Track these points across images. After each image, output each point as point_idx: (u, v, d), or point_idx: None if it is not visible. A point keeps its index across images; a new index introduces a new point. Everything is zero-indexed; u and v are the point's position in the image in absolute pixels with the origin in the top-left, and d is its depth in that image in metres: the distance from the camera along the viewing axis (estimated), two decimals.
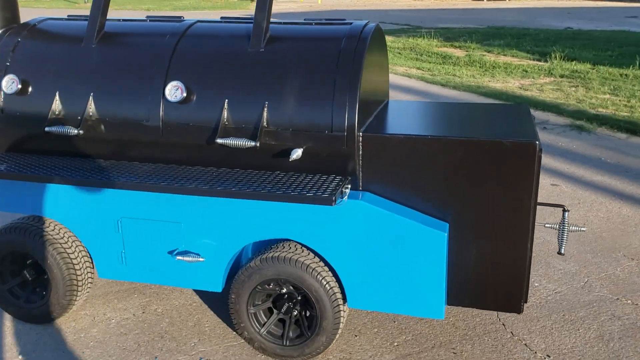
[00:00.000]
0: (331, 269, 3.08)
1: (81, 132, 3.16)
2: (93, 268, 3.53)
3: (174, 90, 3.07)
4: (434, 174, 2.89)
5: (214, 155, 3.11)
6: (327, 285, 3.00)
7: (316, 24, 3.26)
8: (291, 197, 2.77)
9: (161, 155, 3.20)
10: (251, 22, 3.30)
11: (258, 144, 2.93)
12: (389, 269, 2.92)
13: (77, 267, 3.42)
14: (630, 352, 3.21)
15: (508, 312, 2.99)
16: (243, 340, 3.36)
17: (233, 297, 3.16)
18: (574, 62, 12.24)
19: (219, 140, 2.97)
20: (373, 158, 2.95)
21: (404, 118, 3.24)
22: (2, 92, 3.32)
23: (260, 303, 3.19)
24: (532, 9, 28.86)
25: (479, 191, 2.86)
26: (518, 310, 2.99)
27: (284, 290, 3.15)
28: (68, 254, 3.39)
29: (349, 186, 2.93)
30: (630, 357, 3.16)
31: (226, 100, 3.03)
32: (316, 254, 3.08)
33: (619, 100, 9.02)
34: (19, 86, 3.28)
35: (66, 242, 3.41)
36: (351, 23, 3.20)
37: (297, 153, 2.89)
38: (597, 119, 7.93)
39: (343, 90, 2.87)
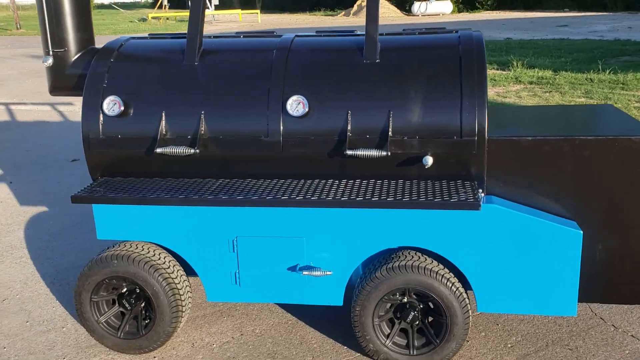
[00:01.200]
0: (456, 275, 3.10)
1: (197, 151, 3.07)
2: (191, 292, 3.43)
3: (295, 105, 3.04)
4: (560, 174, 2.98)
5: (334, 168, 3.10)
6: (457, 292, 3.02)
7: (419, 33, 3.30)
8: (435, 204, 2.79)
9: (279, 171, 3.16)
10: (348, 35, 3.32)
11: (389, 153, 2.93)
12: (521, 271, 2.98)
13: (181, 292, 3.31)
14: None
15: (637, 303, 3.10)
16: (358, 354, 3.33)
17: (358, 309, 3.13)
18: (535, 70, 12.78)
19: (349, 152, 2.96)
20: (498, 161, 3.01)
21: (513, 121, 3.32)
22: (101, 115, 3.20)
23: (383, 314, 3.17)
24: (467, 21, 29.89)
25: (606, 188, 2.96)
26: (633, 300, 3.10)
27: (405, 300, 3.15)
28: (172, 279, 3.28)
29: (482, 191, 2.98)
30: None
31: (348, 111, 3.03)
32: (441, 260, 3.10)
33: (596, 102, 9.49)
34: (122, 108, 3.16)
35: (169, 267, 3.30)
36: (456, 31, 3.26)
37: (429, 160, 2.91)
38: None
39: (471, 95, 2.93)
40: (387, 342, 3.16)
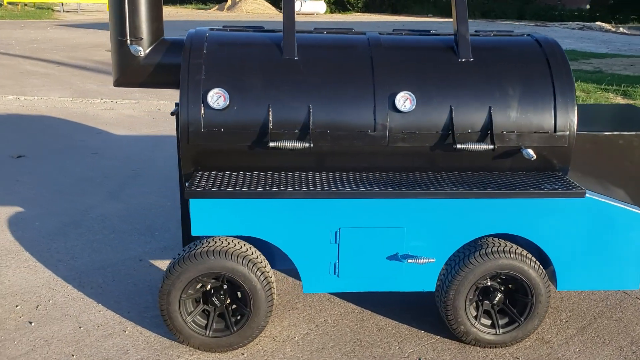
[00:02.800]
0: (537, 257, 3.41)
1: (311, 145, 3.10)
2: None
3: (402, 101, 3.17)
4: (631, 165, 3.39)
5: (436, 161, 3.27)
6: (542, 274, 3.33)
7: (494, 34, 3.56)
8: (540, 193, 3.07)
9: (383, 164, 3.27)
10: (428, 34, 3.51)
11: (495, 147, 3.17)
12: (599, 252, 3.34)
13: (273, 285, 3.33)
14: None
15: None
16: (438, 337, 3.54)
17: (452, 293, 3.33)
18: None
19: (459, 146, 3.15)
20: (580, 154, 3.35)
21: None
22: (203, 108, 3.11)
23: (472, 297, 3.40)
24: (345, 22, 30.90)
25: None
26: None
27: (488, 283, 3.41)
28: (267, 272, 3.28)
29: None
30: None
31: (451, 106, 3.22)
32: (524, 245, 3.39)
33: None
34: (227, 101, 3.11)
35: (262, 261, 3.30)
36: (528, 34, 3.57)
37: (531, 152, 3.18)
38: None
39: (563, 93, 3.24)
40: (476, 323, 3.39)
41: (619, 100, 10.87)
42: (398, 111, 3.19)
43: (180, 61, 3.33)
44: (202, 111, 3.12)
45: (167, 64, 3.35)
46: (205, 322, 3.34)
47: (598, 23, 33.35)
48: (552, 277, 3.42)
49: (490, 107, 3.23)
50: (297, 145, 3.09)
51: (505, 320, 3.45)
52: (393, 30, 3.60)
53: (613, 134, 3.36)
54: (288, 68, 3.22)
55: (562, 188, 3.12)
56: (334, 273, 3.29)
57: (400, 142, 3.21)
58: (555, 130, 3.25)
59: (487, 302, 3.43)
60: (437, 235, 3.26)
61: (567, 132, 3.26)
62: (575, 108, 3.26)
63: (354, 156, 3.25)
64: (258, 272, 3.23)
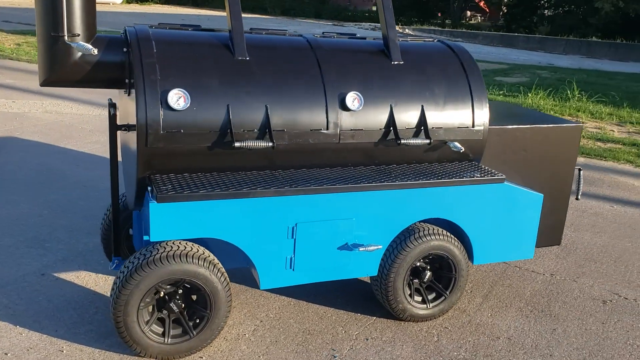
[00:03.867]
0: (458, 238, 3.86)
1: (274, 144, 3.18)
2: None
3: (351, 100, 3.39)
4: (525, 153, 3.98)
5: (380, 155, 3.55)
6: (463, 252, 3.79)
7: (410, 39, 3.93)
8: (471, 181, 3.51)
9: (334, 160, 3.45)
10: (355, 38, 3.78)
11: (431, 141, 3.53)
12: (505, 228, 3.88)
13: (229, 285, 3.37)
14: None
15: (553, 245, 4.30)
16: (374, 317, 3.84)
17: (392, 276, 3.64)
18: None
19: (403, 141, 3.46)
20: (491, 146, 3.86)
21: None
22: (162, 109, 3.03)
23: (407, 277, 3.75)
24: (146, 13, 29.89)
25: (552, 165, 4.08)
26: (559, 242, 4.33)
27: (417, 264, 3.79)
28: (224, 273, 3.32)
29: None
30: None
31: (391, 105, 3.52)
32: (449, 227, 3.82)
33: None
34: (188, 101, 3.06)
35: (218, 262, 3.33)
36: (438, 40, 3.99)
37: (459, 145, 3.60)
38: None
39: (477, 92, 3.71)
40: (411, 300, 3.75)
41: None
42: (348, 110, 3.39)
43: (118, 59, 3.19)
44: (162, 112, 3.04)
45: (105, 62, 3.18)
46: (162, 329, 3.26)
47: None
48: (469, 253, 3.88)
49: (422, 106, 3.58)
50: (260, 144, 3.15)
51: (433, 295, 3.85)
52: (323, 33, 3.79)
53: (515, 127, 3.92)
54: (242, 68, 3.25)
55: (485, 175, 3.58)
56: (290, 267, 3.40)
57: (350, 138, 3.43)
58: (473, 125, 3.71)
59: (416, 280, 3.79)
60: (381, 224, 3.53)
61: (482, 127, 3.73)
62: (487, 105, 3.75)
63: (308, 153, 3.39)
64: (218, 273, 3.24)
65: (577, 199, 4.48)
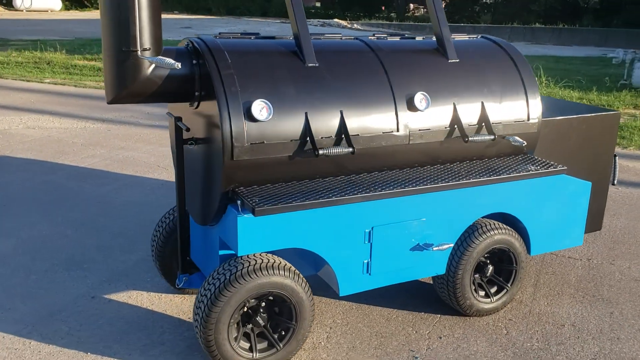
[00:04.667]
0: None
1: (354, 149, 3.15)
2: None
3: (419, 100, 3.40)
4: (569, 142, 4.08)
5: (445, 153, 3.58)
6: (522, 244, 3.86)
7: (468, 37, 3.97)
8: (531, 174, 3.59)
9: (403, 161, 3.46)
10: (405, 38, 3.80)
11: (494, 137, 3.58)
12: (560, 219, 3.97)
13: (312, 294, 3.34)
14: None
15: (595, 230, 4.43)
16: (439, 315, 3.88)
17: (460, 272, 3.68)
18: None
19: (471, 138, 3.49)
20: (541, 137, 3.94)
21: None
22: (246, 121, 2.97)
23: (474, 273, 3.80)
24: (84, 20, 29.08)
25: (594, 153, 4.19)
26: (600, 228, 4.46)
27: (481, 258, 3.84)
28: (307, 282, 3.29)
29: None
30: None
31: (454, 103, 3.54)
32: (507, 220, 3.87)
33: None
34: (271, 112, 3.01)
35: (299, 273, 3.29)
36: (482, 36, 4.04)
37: (520, 140, 3.65)
38: None
39: (530, 86, 3.78)
40: (477, 296, 3.80)
41: None
42: (416, 110, 3.40)
43: (187, 72, 3.10)
44: (245, 124, 2.97)
45: (175, 75, 3.08)
46: (248, 344, 3.20)
47: (336, 20, 36.47)
48: (527, 245, 3.94)
49: (482, 102, 3.62)
50: (341, 151, 3.12)
51: (495, 288, 3.91)
52: (374, 34, 3.78)
53: (563, 118, 4.02)
54: (314, 75, 3.21)
55: (546, 168, 3.66)
56: (367, 272, 3.40)
57: (419, 139, 3.44)
58: (528, 119, 3.77)
59: (477, 275, 3.83)
60: (449, 222, 3.56)
61: (537, 120, 3.80)
62: (539, 98, 3.82)
63: (381, 156, 3.38)
64: (303, 283, 3.20)
65: (613, 184, 4.61)
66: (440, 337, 3.64)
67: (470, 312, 3.80)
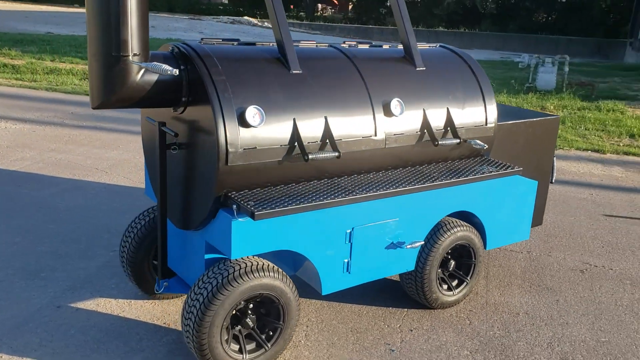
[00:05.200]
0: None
1: (338, 154, 3.28)
2: None
3: (394, 106, 3.58)
4: (516, 145, 4.41)
5: (415, 156, 3.78)
6: (480, 239, 4.14)
7: (428, 46, 4.18)
8: (491, 175, 3.87)
9: (378, 165, 3.62)
10: (377, 46, 3.98)
11: (460, 141, 3.82)
12: (511, 215, 4.29)
13: (297, 294, 3.44)
14: None
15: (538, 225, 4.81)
16: (406, 309, 4.09)
17: (428, 268, 3.90)
18: None
19: (441, 142, 3.71)
20: (497, 140, 4.24)
21: None
22: (240, 127, 3.02)
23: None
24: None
25: (538, 154, 4.55)
26: (541, 222, 4.84)
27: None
28: (292, 283, 3.39)
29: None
30: None
31: (424, 109, 3.75)
32: (466, 218, 4.14)
33: None
34: (263, 118, 3.08)
35: (284, 273, 3.39)
36: (440, 45, 4.28)
37: (481, 143, 3.92)
38: None
39: (488, 93, 4.06)
40: (441, 289, 4.04)
41: None
42: (391, 116, 3.58)
43: (176, 78, 3.11)
44: (239, 130, 3.02)
45: (163, 81, 3.09)
46: (238, 346, 3.26)
47: (246, 18, 36.32)
48: (484, 240, 4.23)
49: (448, 108, 3.85)
50: (328, 155, 3.23)
51: (455, 282, 4.17)
52: (344, 42, 3.92)
53: (513, 123, 4.33)
54: (299, 81, 3.31)
55: (504, 169, 3.95)
56: (347, 270, 3.54)
57: (394, 143, 3.61)
58: (486, 123, 4.05)
59: (439, 270, 4.08)
60: (419, 221, 3.77)
61: (493, 124, 4.09)
62: (495, 104, 4.11)
63: (359, 160, 3.52)
64: (290, 283, 3.30)
65: (552, 182, 5.01)
66: (411, 330, 3.84)
67: (435, 305, 4.03)
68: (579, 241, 5.44)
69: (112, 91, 2.97)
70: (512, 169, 4.00)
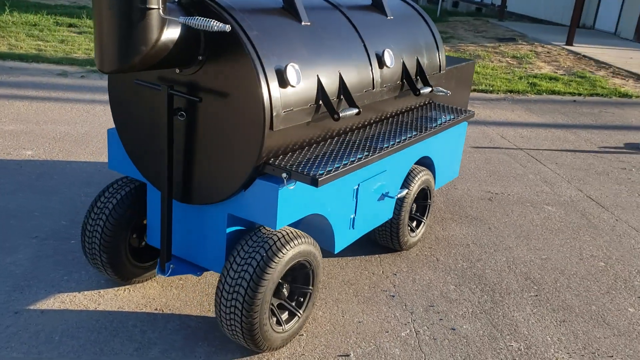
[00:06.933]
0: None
1: (359, 110, 3.17)
2: None
3: (387, 57, 3.57)
4: (459, 85, 4.70)
5: (394, 106, 3.82)
6: (434, 181, 4.39)
7: None
8: (453, 122, 4.11)
9: (371, 117, 3.60)
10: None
11: (432, 89, 3.94)
12: (451, 156, 4.60)
13: None
14: None
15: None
16: (382, 254, 4.24)
17: (402, 214, 4.06)
18: None
19: (422, 91, 3.79)
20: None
21: None
22: (279, 87, 2.77)
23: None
24: None
25: (462, 95, 4.88)
26: None
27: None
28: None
29: None
30: None
31: (402, 59, 3.79)
32: (423, 163, 4.34)
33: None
34: (300, 77, 2.87)
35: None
36: None
37: (445, 90, 4.09)
38: None
39: (439, 42, 4.22)
40: (410, 231, 4.24)
41: None
42: (384, 67, 3.56)
43: (193, 33, 2.73)
44: (280, 91, 2.78)
45: (183, 37, 2.68)
46: (275, 318, 3.11)
47: None
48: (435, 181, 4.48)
49: (417, 58, 3.93)
50: (353, 112, 3.12)
51: (415, 224, 4.39)
52: None
53: (450, 68, 4.56)
54: (313, 34, 3.10)
55: (462, 115, 4.19)
56: (352, 227, 3.53)
57: (385, 95, 3.60)
58: (440, 70, 4.23)
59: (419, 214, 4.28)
60: (398, 171, 3.87)
61: (444, 71, 4.28)
62: (444, 51, 4.30)
63: (365, 110, 3.47)
64: (318, 247, 3.21)
65: None
66: (395, 274, 3.99)
67: (405, 247, 4.21)
68: (468, 172, 6.00)
69: (137, 51, 2.51)
70: (464, 114, 4.25)
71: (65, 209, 4.45)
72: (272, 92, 2.72)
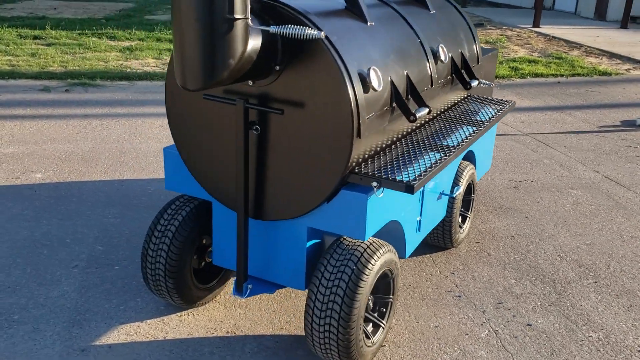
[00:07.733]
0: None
1: (430, 110, 3.07)
2: None
3: (442, 52, 3.48)
4: (485, 78, 4.65)
5: (446, 102, 3.74)
6: (476, 174, 4.34)
7: None
8: (499, 116, 4.05)
9: (432, 114, 3.52)
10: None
11: (477, 82, 3.87)
12: (487, 148, 4.55)
13: None
14: None
15: None
16: (431, 253, 4.17)
17: (455, 210, 3.98)
18: None
19: (473, 84, 3.72)
20: None
21: None
22: (364, 93, 2.64)
23: None
24: None
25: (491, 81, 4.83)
26: None
27: None
28: None
29: None
30: None
31: (451, 54, 3.71)
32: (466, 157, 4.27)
33: None
34: (382, 80, 2.75)
35: None
36: None
37: (486, 82, 4.03)
38: None
39: (475, 34, 4.16)
40: (460, 230, 4.18)
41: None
42: (440, 62, 3.47)
43: (270, 40, 2.58)
44: (364, 96, 2.66)
45: (263, 47, 2.53)
46: (365, 330, 3.00)
47: None
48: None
49: (461, 52, 3.86)
50: (425, 111, 3.02)
51: (460, 219, 4.33)
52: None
53: (484, 57, 4.51)
54: (379, 35, 2.99)
55: (504, 106, 4.14)
56: (418, 230, 3.44)
57: (440, 91, 3.52)
58: (478, 62, 4.16)
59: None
60: (451, 168, 3.79)
61: (481, 62, 4.22)
62: (480, 44, 4.24)
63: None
64: (397, 256, 3.11)
65: None
66: (453, 273, 3.92)
67: (456, 244, 4.15)
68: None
69: (225, 66, 2.35)
70: (507, 105, 4.20)
71: (95, 233, 4.23)
72: (358, 98, 2.59)
